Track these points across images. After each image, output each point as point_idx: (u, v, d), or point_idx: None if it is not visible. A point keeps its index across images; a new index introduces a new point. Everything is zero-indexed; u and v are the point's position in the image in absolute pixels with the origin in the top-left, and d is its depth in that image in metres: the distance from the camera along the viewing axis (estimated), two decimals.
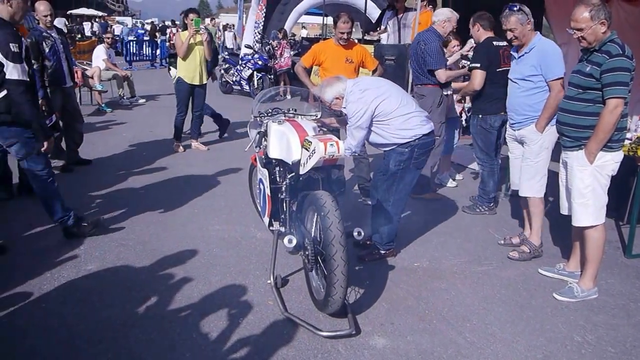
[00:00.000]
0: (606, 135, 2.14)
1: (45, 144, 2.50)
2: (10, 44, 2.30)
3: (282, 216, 2.41)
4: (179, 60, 4.71)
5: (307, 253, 2.14)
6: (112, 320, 2.04)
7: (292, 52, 9.45)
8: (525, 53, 2.65)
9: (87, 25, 19.37)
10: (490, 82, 3.16)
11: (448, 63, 3.56)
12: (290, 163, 2.24)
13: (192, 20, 4.58)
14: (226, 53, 10.34)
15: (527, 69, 2.62)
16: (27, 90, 2.38)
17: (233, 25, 15.92)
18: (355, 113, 2.39)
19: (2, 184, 3.41)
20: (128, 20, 25.87)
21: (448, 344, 1.99)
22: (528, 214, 2.92)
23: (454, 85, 3.66)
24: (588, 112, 2.21)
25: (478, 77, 3.14)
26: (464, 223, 3.30)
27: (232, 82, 8.78)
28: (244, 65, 8.48)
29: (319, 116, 2.69)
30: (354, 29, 7.34)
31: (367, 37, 7.56)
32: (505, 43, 3.23)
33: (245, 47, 9.27)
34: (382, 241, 2.64)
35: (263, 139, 2.50)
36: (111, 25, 20.17)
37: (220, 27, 15.76)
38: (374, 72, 3.64)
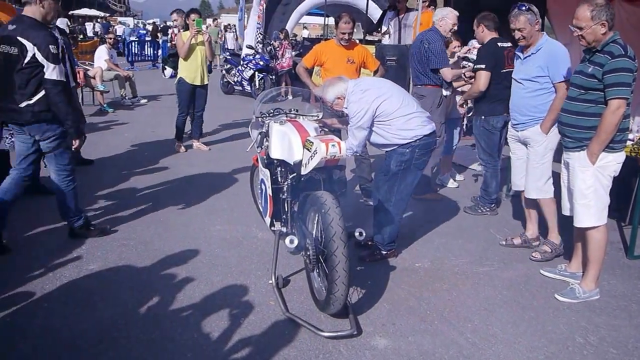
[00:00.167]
0: (608, 136, 2.14)
1: (77, 141, 2.63)
2: (50, 46, 2.38)
3: (284, 216, 2.41)
4: (180, 60, 4.72)
5: (308, 253, 2.14)
6: (114, 320, 2.05)
7: (293, 53, 9.47)
8: (532, 54, 2.63)
9: (89, 26, 19.44)
10: (494, 83, 3.15)
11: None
12: (292, 163, 2.24)
13: (193, 20, 4.59)
14: (227, 54, 10.36)
15: (533, 70, 2.60)
16: (64, 90, 2.47)
17: (234, 26, 15.95)
18: (357, 113, 2.39)
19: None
20: (130, 21, 25.95)
21: (449, 345, 1.99)
22: (530, 215, 2.92)
23: (454, 84, 3.66)
24: (590, 112, 2.21)
25: (483, 78, 3.12)
26: (466, 224, 3.30)
27: (233, 83, 8.79)
28: (245, 66, 8.49)
29: (320, 116, 2.69)
30: (355, 30, 7.34)
31: (368, 38, 7.56)
32: (509, 44, 3.24)
33: (247, 47, 9.28)
34: (383, 241, 2.64)
35: (265, 139, 2.51)
36: (113, 26, 20.23)
37: (222, 28, 15.80)
38: (375, 72, 3.64)
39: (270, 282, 2.32)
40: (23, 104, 2.43)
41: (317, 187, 2.21)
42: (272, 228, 2.47)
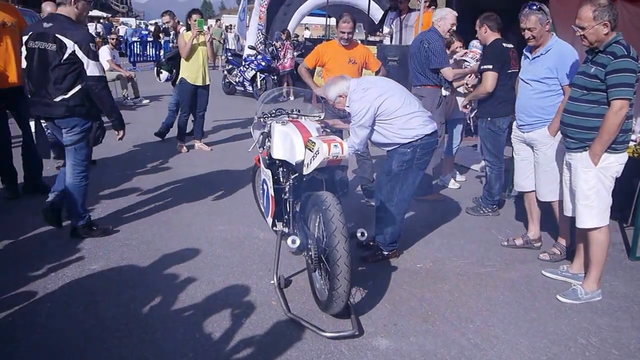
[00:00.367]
0: (610, 136, 2.14)
1: (121, 132, 2.77)
2: (90, 44, 2.49)
3: (286, 217, 2.41)
4: (182, 60, 4.73)
5: (310, 253, 2.14)
6: (116, 319, 2.05)
7: (295, 53, 9.47)
8: (542, 54, 2.59)
9: (91, 26, 19.48)
10: (500, 84, 3.14)
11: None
12: (294, 164, 2.24)
13: (195, 21, 4.60)
14: (229, 54, 10.37)
15: (542, 71, 2.57)
16: (107, 85, 2.61)
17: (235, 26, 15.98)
18: (358, 112, 2.40)
19: (7, 184, 3.44)
20: (132, 21, 25.99)
21: (451, 345, 1.98)
22: (532, 216, 2.91)
23: (454, 84, 3.66)
24: (592, 113, 2.20)
25: (490, 79, 3.11)
26: (467, 224, 3.30)
27: (235, 83, 8.80)
28: (247, 66, 8.50)
29: (322, 117, 2.70)
30: (357, 30, 7.34)
31: (370, 39, 7.57)
32: (512, 45, 3.24)
33: (249, 48, 9.30)
34: (385, 242, 2.64)
35: (267, 139, 2.51)
36: (115, 26, 20.27)
37: (224, 28, 15.83)
38: (377, 73, 3.64)
39: (272, 282, 2.32)
40: (58, 98, 2.51)
41: (319, 188, 2.22)
42: (274, 228, 2.47)
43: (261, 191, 2.67)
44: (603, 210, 2.27)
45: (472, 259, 2.78)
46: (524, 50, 2.76)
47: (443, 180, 4.05)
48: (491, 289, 2.45)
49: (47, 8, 3.83)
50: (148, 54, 13.71)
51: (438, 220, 3.31)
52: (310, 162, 2.12)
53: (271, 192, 2.41)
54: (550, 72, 2.56)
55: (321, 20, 14.54)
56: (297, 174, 2.28)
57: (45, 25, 2.53)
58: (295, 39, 12.09)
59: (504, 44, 3.20)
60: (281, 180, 2.42)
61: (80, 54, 2.47)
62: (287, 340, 1.97)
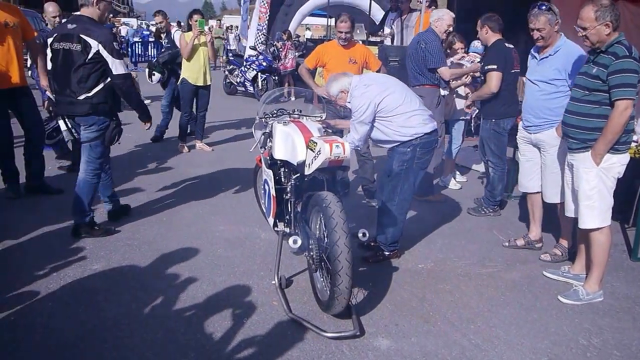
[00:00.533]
0: (614, 136, 2.13)
1: (148, 124, 2.89)
2: (114, 43, 2.59)
3: (287, 217, 2.41)
4: (183, 61, 4.74)
5: (311, 254, 2.14)
6: (118, 319, 2.06)
7: (296, 54, 9.48)
8: (550, 55, 2.57)
9: None
10: (504, 85, 3.13)
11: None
12: (295, 164, 2.25)
13: (196, 21, 4.61)
14: (230, 54, 10.39)
15: (550, 72, 2.55)
16: (133, 81, 2.74)
17: (236, 27, 16.00)
18: (359, 107, 2.40)
19: (9, 184, 3.45)
20: (133, 22, 25.99)
21: (452, 346, 1.98)
22: (534, 216, 2.91)
23: (452, 84, 3.67)
24: (594, 114, 2.20)
25: (495, 79, 3.10)
26: (469, 225, 3.29)
27: (236, 83, 8.81)
28: (248, 67, 8.51)
29: (323, 117, 2.70)
30: (358, 31, 7.31)
31: (371, 39, 7.57)
32: (512, 46, 3.24)
33: (250, 48, 9.31)
34: (386, 242, 2.64)
35: (268, 140, 2.51)
36: (117, 27, 20.28)
37: (225, 29, 15.85)
38: (377, 72, 3.65)
39: (273, 282, 2.32)
40: (82, 97, 2.59)
41: (321, 188, 2.22)
42: (276, 228, 2.47)
43: (262, 191, 2.68)
44: (605, 211, 2.26)
45: (473, 259, 2.78)
46: (531, 51, 2.73)
47: (444, 180, 4.05)
48: (492, 289, 2.45)
49: (50, 8, 3.85)
50: (149, 54, 13.73)
51: (439, 220, 3.30)
52: (312, 163, 2.12)
53: (272, 192, 2.41)
54: (558, 73, 2.52)
55: (322, 21, 14.55)
56: (298, 174, 2.28)
57: (70, 26, 2.61)
58: (297, 39, 12.10)
59: (506, 45, 3.20)
60: (282, 180, 2.42)
61: (104, 53, 2.54)
62: (288, 340, 1.97)
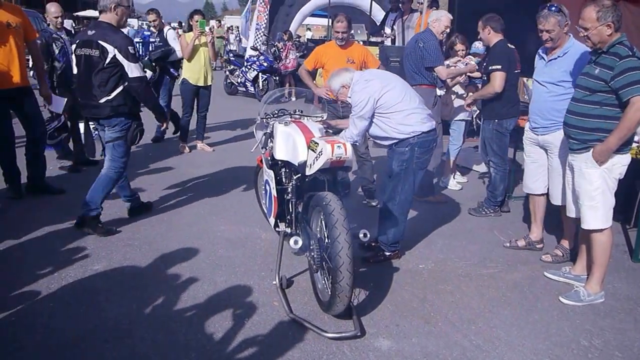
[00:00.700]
0: (628, 133, 2.10)
1: (165, 124, 3.06)
2: (129, 47, 2.68)
3: (288, 217, 2.42)
4: (184, 61, 4.75)
5: (312, 254, 2.14)
6: (119, 320, 2.06)
7: (297, 54, 9.49)
8: (559, 57, 2.55)
9: None
10: (508, 85, 3.13)
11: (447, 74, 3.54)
12: (297, 164, 2.25)
13: (197, 21, 4.62)
14: (231, 55, 10.40)
15: (559, 74, 2.52)
16: (147, 84, 2.84)
17: (237, 27, 16.02)
18: (359, 102, 2.41)
19: (10, 184, 3.45)
20: (134, 22, 26.00)
21: (453, 347, 1.98)
22: (536, 217, 2.90)
23: (448, 82, 3.68)
24: (595, 114, 2.20)
25: (499, 79, 3.09)
26: (469, 225, 3.29)
27: (237, 84, 8.82)
28: (249, 67, 8.52)
29: (324, 117, 2.70)
30: (359, 31, 7.30)
31: (372, 39, 7.58)
32: (513, 46, 3.24)
33: (251, 49, 9.32)
34: (387, 242, 2.64)
35: (269, 140, 2.51)
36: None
37: (225, 28, 15.87)
38: None
39: (274, 282, 2.32)
40: (103, 100, 2.72)
41: (322, 188, 2.22)
42: (277, 229, 2.47)
43: (263, 192, 2.68)
44: (607, 212, 2.26)
45: (474, 260, 2.78)
46: (538, 51, 2.71)
47: (444, 181, 4.05)
48: (493, 290, 2.44)
49: (52, 9, 3.85)
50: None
51: (440, 221, 3.30)
52: (313, 163, 2.12)
53: (274, 192, 2.41)
54: (567, 74, 2.50)
55: (323, 21, 14.56)
56: (299, 175, 2.28)
57: (90, 32, 2.75)
58: (297, 39, 12.11)
59: (509, 45, 3.20)
60: (284, 180, 2.42)
61: (120, 57, 2.66)
62: (289, 340, 1.97)
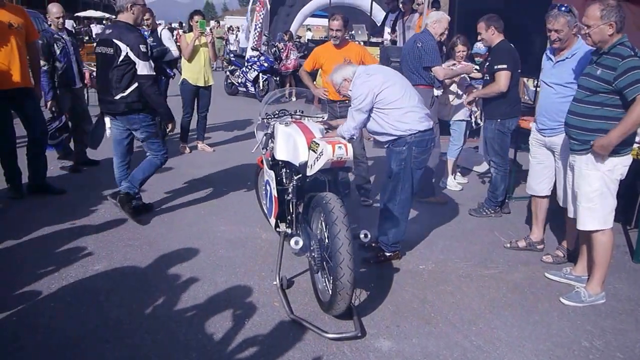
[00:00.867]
0: (632, 128, 2.08)
1: (170, 125, 3.03)
2: (140, 45, 2.77)
3: (289, 218, 2.42)
4: (183, 61, 4.75)
5: (313, 254, 2.14)
6: (119, 320, 2.06)
7: (298, 54, 9.50)
8: (567, 58, 2.53)
9: (95, 28, 19.57)
10: (512, 84, 3.13)
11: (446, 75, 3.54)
12: (297, 165, 2.25)
13: (197, 22, 4.62)
14: (232, 55, 10.41)
15: (567, 75, 2.50)
16: (155, 83, 2.90)
17: (238, 28, 16.04)
18: (359, 95, 2.42)
19: (11, 184, 3.46)
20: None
21: (454, 348, 1.98)
22: (537, 218, 2.90)
23: (447, 81, 3.68)
24: (596, 115, 2.19)
25: (505, 78, 3.09)
26: (470, 226, 3.29)
27: (237, 84, 8.83)
28: (249, 67, 8.53)
29: (325, 118, 2.70)
30: (359, 32, 7.29)
31: (372, 40, 7.59)
32: (513, 46, 3.24)
33: (252, 49, 9.33)
34: (388, 242, 2.64)
35: (270, 140, 2.52)
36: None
37: (226, 29, 15.89)
38: None
39: (275, 283, 2.32)
40: (118, 96, 2.84)
41: (322, 189, 2.22)
42: (277, 229, 2.48)
43: (264, 192, 2.68)
44: (607, 214, 2.25)
45: (474, 260, 2.77)
46: (546, 52, 2.70)
47: (445, 182, 4.05)
48: (494, 291, 2.44)
49: (54, 9, 3.86)
50: None
51: (440, 221, 3.30)
52: (314, 164, 2.12)
53: (274, 193, 2.41)
54: (575, 76, 2.47)
55: (323, 22, 14.57)
56: (300, 175, 2.28)
57: (107, 32, 2.89)
58: (298, 40, 12.12)
59: (511, 45, 3.21)
60: (284, 181, 2.42)
61: (132, 55, 2.76)
62: (289, 341, 1.97)
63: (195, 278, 2.42)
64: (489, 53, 3.30)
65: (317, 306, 2.19)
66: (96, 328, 2.00)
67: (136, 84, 2.81)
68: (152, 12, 5.11)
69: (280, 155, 2.36)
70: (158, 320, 2.07)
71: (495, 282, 2.53)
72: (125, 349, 1.89)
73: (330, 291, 2.03)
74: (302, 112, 2.61)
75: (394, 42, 6.42)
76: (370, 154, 4.89)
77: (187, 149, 4.91)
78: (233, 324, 2.06)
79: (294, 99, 2.96)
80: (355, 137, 2.60)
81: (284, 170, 2.44)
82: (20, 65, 3.23)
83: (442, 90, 3.70)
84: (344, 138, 2.47)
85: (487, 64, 3.26)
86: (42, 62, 3.62)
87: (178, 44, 5.12)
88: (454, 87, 3.83)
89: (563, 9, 2.49)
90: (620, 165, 2.22)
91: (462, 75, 3.80)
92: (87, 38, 15.47)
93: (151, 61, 2.84)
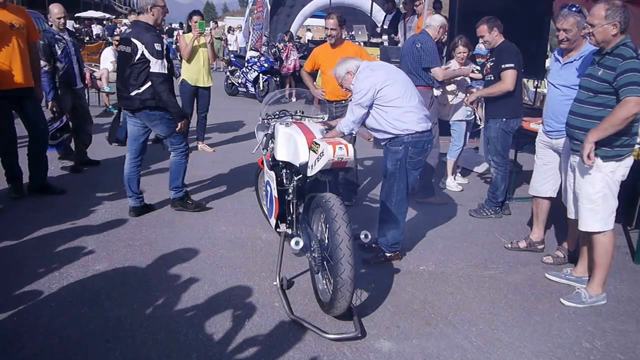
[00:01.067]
0: (611, 130, 2.08)
1: (180, 124, 3.04)
2: (155, 44, 2.86)
3: (289, 218, 2.42)
4: (183, 62, 4.75)
5: (313, 255, 2.14)
6: (120, 320, 2.06)
7: (298, 55, 9.51)
8: (574, 60, 2.52)
9: (96, 28, 19.60)
10: (517, 84, 3.13)
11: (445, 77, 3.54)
12: (298, 165, 2.25)
13: (196, 22, 4.62)
14: (232, 55, 10.42)
15: (574, 77, 2.48)
16: (165, 81, 2.93)
17: (237, 28, 16.05)
18: (360, 90, 2.42)
19: (12, 184, 3.46)
20: None
21: (454, 349, 1.98)
22: (538, 218, 2.89)
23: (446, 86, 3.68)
24: (598, 116, 2.19)
25: (512, 77, 3.09)
26: (470, 227, 3.29)
27: (237, 84, 8.83)
28: (249, 68, 8.53)
29: (325, 119, 2.70)
30: (360, 32, 7.28)
31: (372, 40, 7.59)
32: None
33: (252, 49, 9.34)
34: (387, 243, 2.64)
35: (270, 141, 2.52)
36: (119, 28, 20.38)
37: (225, 30, 15.89)
38: None
39: (275, 283, 2.32)
40: (133, 93, 2.93)
41: (323, 189, 2.22)
42: (277, 230, 2.48)
43: (264, 192, 2.68)
44: (608, 215, 2.25)
45: (475, 261, 2.77)
46: (554, 53, 2.70)
47: (445, 182, 4.05)
48: (494, 291, 2.44)
49: (55, 10, 3.86)
50: None
51: (440, 222, 3.30)
52: (315, 164, 2.12)
53: (274, 193, 2.41)
54: None
55: (323, 22, 14.57)
56: (300, 175, 2.29)
57: (128, 31, 3.02)
58: (298, 40, 12.12)
59: (514, 45, 3.21)
60: (284, 181, 2.42)
61: (147, 54, 2.85)
62: (289, 341, 1.97)
63: (195, 278, 2.42)
64: (492, 53, 3.29)
65: (317, 307, 2.19)
66: (97, 328, 2.00)
67: (150, 82, 2.89)
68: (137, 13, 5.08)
69: (281, 155, 2.36)
70: (159, 321, 2.07)
71: (495, 283, 2.52)
72: (126, 348, 1.89)
73: (330, 291, 2.03)
74: (303, 112, 2.61)
75: (395, 42, 6.43)
76: (371, 154, 4.90)
77: None
78: (233, 324, 2.06)
79: (294, 99, 2.97)
80: (354, 132, 2.60)
81: (284, 170, 2.44)
82: (22, 66, 3.24)
83: (441, 91, 3.71)
84: (343, 133, 2.47)
85: (492, 64, 3.24)
86: (43, 63, 3.63)
87: (177, 44, 5.12)
88: (452, 87, 3.83)
89: (574, 9, 2.47)
90: (622, 167, 2.22)
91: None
92: (87, 38, 15.50)
93: (165, 60, 2.91)
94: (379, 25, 8.01)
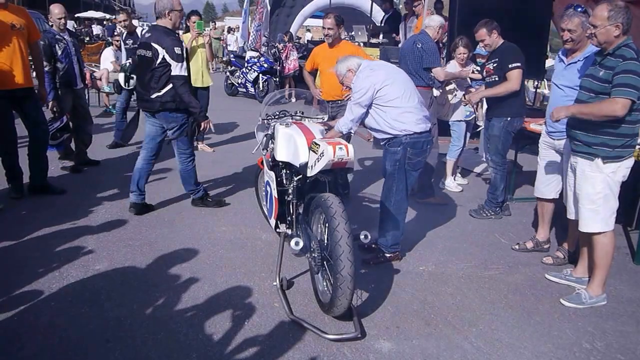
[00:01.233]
0: (589, 117, 2.12)
1: (203, 123, 3.16)
2: (175, 48, 2.93)
3: (289, 218, 2.42)
4: None
5: (313, 255, 2.14)
6: (120, 320, 2.06)
7: (297, 55, 9.51)
8: (578, 60, 2.52)
9: (96, 29, 19.60)
10: (521, 84, 3.14)
11: (446, 78, 3.54)
12: (298, 165, 2.25)
13: (194, 22, 4.62)
14: (231, 56, 10.42)
15: (577, 78, 2.47)
16: (185, 83, 3.02)
17: (237, 28, 16.07)
18: (360, 89, 2.43)
19: (12, 184, 3.46)
20: (135, 23, 26.07)
21: (454, 349, 1.98)
22: (543, 218, 2.89)
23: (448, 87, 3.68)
24: None
25: (519, 77, 3.10)
26: (470, 227, 3.29)
27: (237, 85, 8.84)
28: (249, 68, 8.54)
29: (325, 119, 2.70)
30: (359, 33, 7.28)
31: (372, 41, 7.60)
32: None
33: (252, 50, 9.34)
34: (387, 244, 2.64)
35: (270, 141, 2.52)
36: (119, 28, 20.33)
37: (225, 30, 15.90)
38: None
39: (275, 284, 2.32)
40: (154, 95, 3.01)
41: (323, 190, 2.22)
42: (277, 230, 2.48)
43: (264, 193, 2.68)
44: (609, 216, 2.25)
45: (475, 262, 2.77)
46: (558, 54, 2.70)
47: (445, 183, 4.05)
48: (494, 292, 2.44)
49: (55, 10, 3.87)
50: None
51: (440, 223, 3.30)
52: (315, 164, 2.12)
53: (274, 193, 2.41)
54: None
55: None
56: (300, 176, 2.29)
57: (147, 35, 3.08)
58: (297, 40, 12.12)
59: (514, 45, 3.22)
60: (284, 182, 2.42)
61: (168, 58, 2.92)
62: (289, 342, 1.97)
63: (195, 278, 2.42)
64: (493, 55, 3.28)
65: (317, 307, 2.19)
66: (97, 328, 2.00)
67: (171, 85, 2.96)
68: (129, 13, 5.07)
69: (281, 156, 2.36)
70: (158, 321, 2.07)
71: (495, 284, 2.52)
72: (125, 349, 1.89)
73: (330, 292, 2.03)
74: (303, 113, 2.61)
75: (395, 42, 6.43)
76: (370, 154, 4.90)
77: None
78: (233, 325, 2.06)
79: (293, 99, 2.97)
80: (353, 131, 2.60)
81: (284, 171, 2.44)
82: (22, 66, 3.24)
83: (441, 91, 3.71)
84: (342, 132, 2.47)
85: (494, 65, 3.24)
86: (44, 63, 3.63)
87: (132, 44, 5.06)
88: (451, 86, 3.84)
89: (579, 9, 2.48)
90: (622, 167, 2.22)
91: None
92: (87, 39, 15.51)
93: (185, 62, 2.97)
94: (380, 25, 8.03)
